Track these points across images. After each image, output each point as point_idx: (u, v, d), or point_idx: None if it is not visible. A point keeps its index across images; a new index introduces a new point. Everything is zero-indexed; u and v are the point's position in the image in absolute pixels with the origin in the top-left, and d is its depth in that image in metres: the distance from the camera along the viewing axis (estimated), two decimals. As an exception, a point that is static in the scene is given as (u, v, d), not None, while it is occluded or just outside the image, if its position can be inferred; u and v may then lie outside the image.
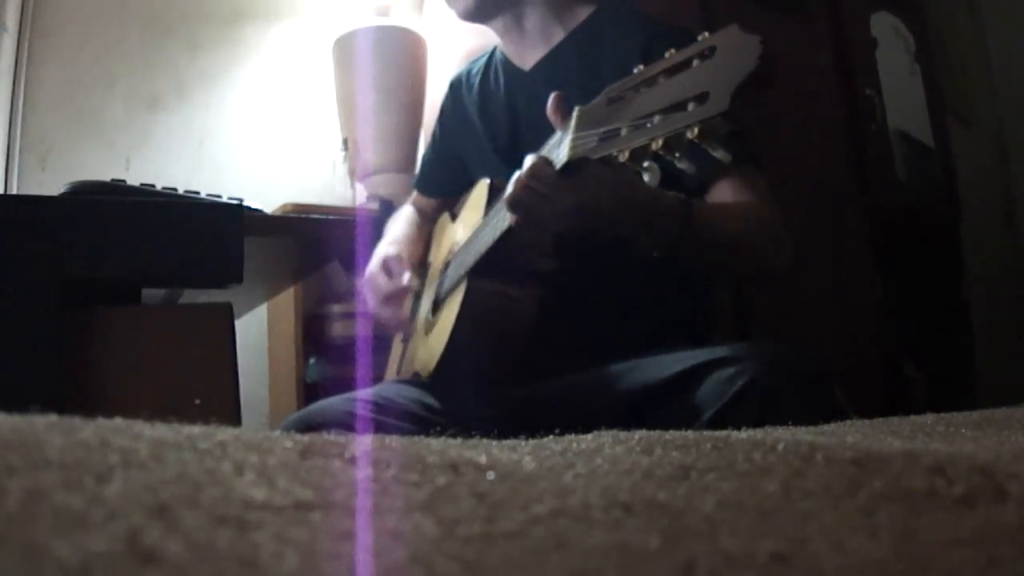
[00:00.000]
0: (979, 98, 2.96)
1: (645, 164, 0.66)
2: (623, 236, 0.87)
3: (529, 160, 0.81)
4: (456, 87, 1.28)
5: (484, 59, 1.26)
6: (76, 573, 0.20)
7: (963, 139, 2.76)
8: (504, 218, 0.86)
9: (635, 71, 0.68)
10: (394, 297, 1.17)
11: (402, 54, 1.94)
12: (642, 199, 0.85)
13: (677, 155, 0.64)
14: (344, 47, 1.94)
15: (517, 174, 0.81)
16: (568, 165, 0.76)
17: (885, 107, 2.32)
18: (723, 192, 1.00)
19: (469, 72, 1.27)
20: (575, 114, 0.77)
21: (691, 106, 0.60)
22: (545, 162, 0.80)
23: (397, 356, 1.30)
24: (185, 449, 0.32)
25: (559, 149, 0.78)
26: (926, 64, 2.63)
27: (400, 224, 1.32)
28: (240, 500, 0.27)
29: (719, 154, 0.62)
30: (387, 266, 1.18)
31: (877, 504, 0.31)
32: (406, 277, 1.14)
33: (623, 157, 0.66)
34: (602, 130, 0.70)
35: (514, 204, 0.81)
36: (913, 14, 2.62)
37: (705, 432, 0.45)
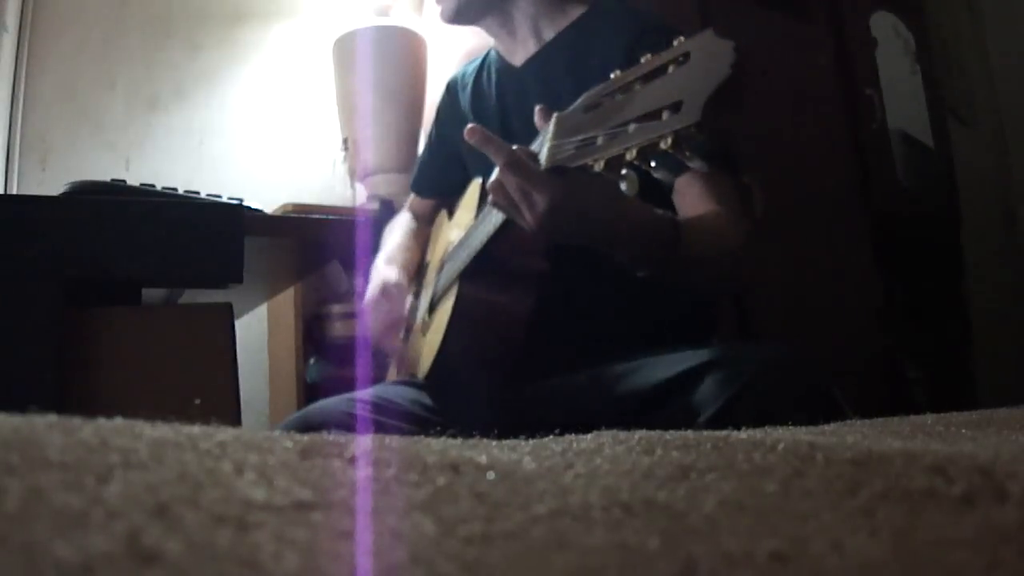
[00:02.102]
0: (979, 98, 2.96)
1: (623, 172, 0.64)
2: (607, 252, 0.84)
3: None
4: (452, 88, 1.29)
5: (480, 60, 1.26)
6: (76, 573, 0.20)
7: (963, 139, 2.76)
8: (494, 219, 0.86)
9: (612, 76, 0.67)
10: (394, 326, 1.17)
11: (402, 54, 1.94)
12: (634, 217, 0.83)
13: (652, 164, 0.62)
14: (344, 47, 1.94)
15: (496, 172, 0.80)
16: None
17: (885, 107, 2.32)
18: (688, 186, 0.98)
19: (465, 73, 1.27)
20: (552, 121, 0.75)
21: (665, 115, 0.58)
22: (532, 157, 0.78)
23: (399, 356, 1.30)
24: (185, 449, 0.32)
25: (539, 156, 0.77)
26: (926, 64, 2.63)
27: (396, 234, 1.32)
28: (240, 500, 0.27)
29: (695, 164, 0.60)
30: (387, 291, 1.16)
31: (877, 504, 0.31)
32: (408, 303, 1.13)
33: (599, 166, 0.64)
34: (579, 138, 0.68)
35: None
36: (913, 14, 2.62)
37: (705, 432, 0.45)
